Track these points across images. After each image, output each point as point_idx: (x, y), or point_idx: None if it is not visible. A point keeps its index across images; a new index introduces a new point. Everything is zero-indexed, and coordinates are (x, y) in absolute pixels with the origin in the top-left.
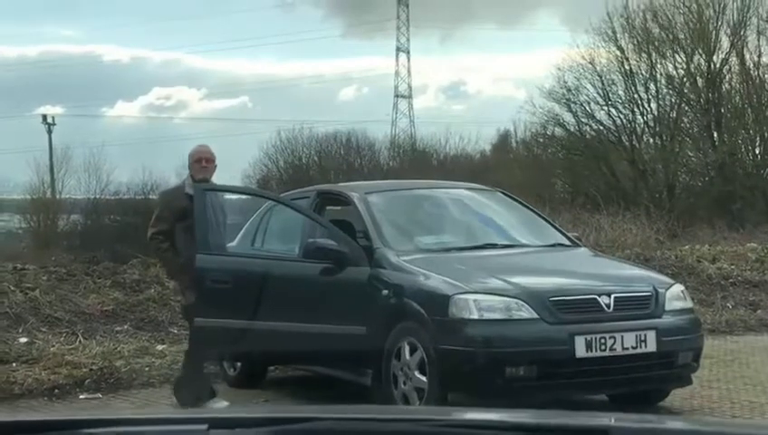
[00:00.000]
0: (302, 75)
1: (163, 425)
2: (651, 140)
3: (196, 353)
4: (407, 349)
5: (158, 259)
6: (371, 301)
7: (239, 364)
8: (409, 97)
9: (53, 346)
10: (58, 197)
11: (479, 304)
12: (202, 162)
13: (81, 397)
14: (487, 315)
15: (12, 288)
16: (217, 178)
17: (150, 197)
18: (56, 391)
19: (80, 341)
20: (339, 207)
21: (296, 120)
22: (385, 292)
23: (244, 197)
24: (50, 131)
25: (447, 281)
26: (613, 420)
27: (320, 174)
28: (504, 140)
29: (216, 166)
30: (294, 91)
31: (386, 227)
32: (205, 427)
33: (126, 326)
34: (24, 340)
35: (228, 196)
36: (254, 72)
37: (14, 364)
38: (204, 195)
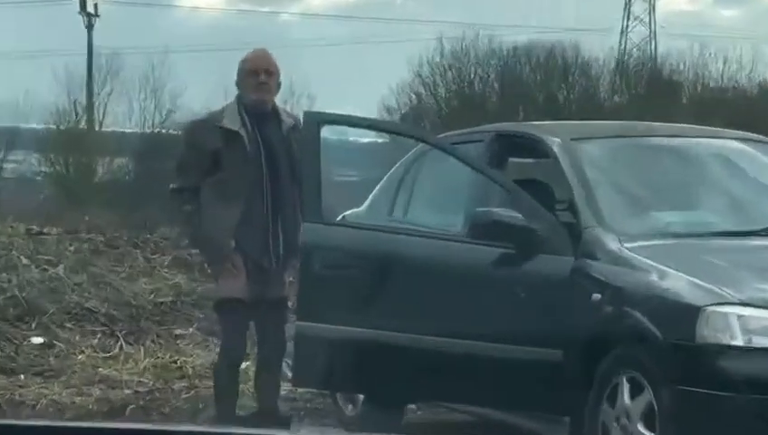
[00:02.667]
0: None
1: None
2: None
3: (219, 381)
4: (626, 388)
5: (181, 226)
6: (573, 309)
7: (361, 398)
8: None
9: (82, 352)
10: (98, 129)
11: (748, 322)
12: (260, 75)
13: None
14: (760, 342)
15: (24, 261)
16: (339, 111)
17: None
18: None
19: (121, 346)
20: (529, 160)
21: (468, 25)
22: (596, 296)
23: (378, 139)
24: (90, 27)
25: (698, 284)
26: None
27: (501, 108)
28: None
29: (280, 84)
30: None
31: (603, 195)
32: None
33: (191, 329)
34: (38, 340)
35: (353, 136)
36: None
37: (22, 376)
38: (318, 130)
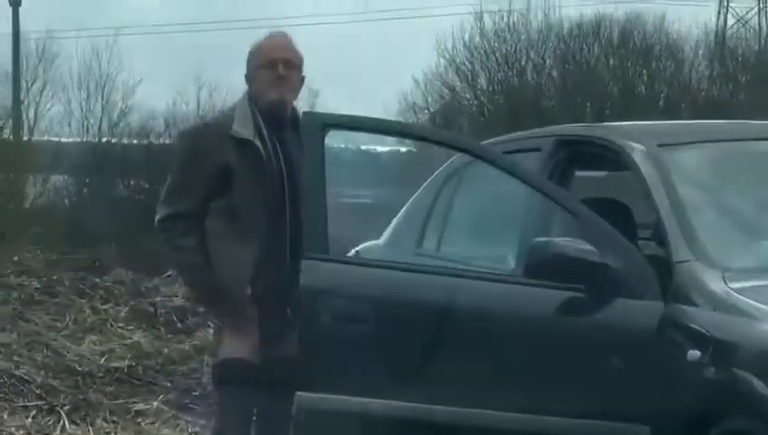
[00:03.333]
0: None
1: None
2: None
3: None
4: None
5: (176, 268)
6: (664, 372)
7: None
8: None
9: None
10: (27, 137)
11: None
12: (278, 67)
13: None
14: None
15: None
16: (349, 111)
17: None
18: None
19: (64, 426)
20: (602, 174)
21: None
22: (694, 353)
23: (402, 147)
24: (16, 4)
25: None
26: None
27: (562, 103)
28: None
29: (303, 78)
30: None
31: (703, 218)
32: None
33: (155, 403)
34: None
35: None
36: None
37: None
38: (321, 136)
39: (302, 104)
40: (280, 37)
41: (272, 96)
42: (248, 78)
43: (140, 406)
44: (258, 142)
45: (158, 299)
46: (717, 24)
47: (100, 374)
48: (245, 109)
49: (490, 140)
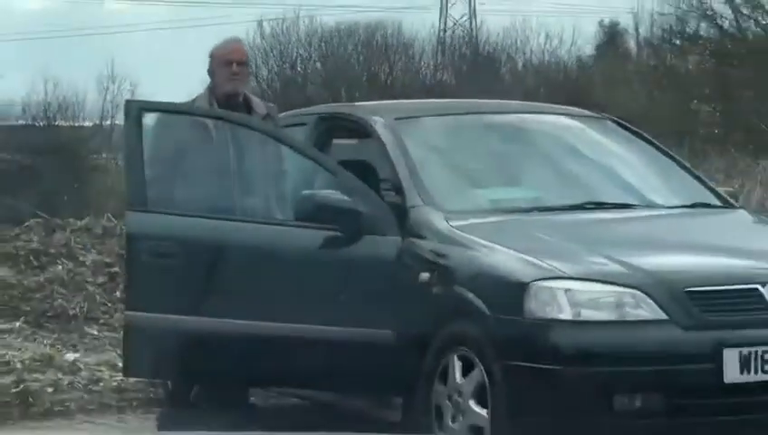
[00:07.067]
0: None
1: None
2: None
3: None
4: (457, 366)
5: None
6: (402, 290)
7: (196, 387)
8: None
9: None
10: None
11: (574, 296)
12: (232, 66)
13: None
14: (587, 315)
15: None
16: (163, 98)
17: (59, 123)
18: None
19: None
20: (353, 142)
21: (289, 5)
22: (424, 275)
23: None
24: None
25: (525, 259)
26: None
27: (324, 89)
28: (615, 39)
29: (250, 72)
30: None
31: (429, 173)
32: None
33: (18, 323)
34: None
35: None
36: None
37: None
38: (139, 118)
39: (125, 92)
40: (234, 42)
41: (227, 88)
42: (211, 73)
43: (3, 325)
44: (210, 125)
45: (18, 243)
46: (440, 27)
47: None
48: (206, 97)
49: None
